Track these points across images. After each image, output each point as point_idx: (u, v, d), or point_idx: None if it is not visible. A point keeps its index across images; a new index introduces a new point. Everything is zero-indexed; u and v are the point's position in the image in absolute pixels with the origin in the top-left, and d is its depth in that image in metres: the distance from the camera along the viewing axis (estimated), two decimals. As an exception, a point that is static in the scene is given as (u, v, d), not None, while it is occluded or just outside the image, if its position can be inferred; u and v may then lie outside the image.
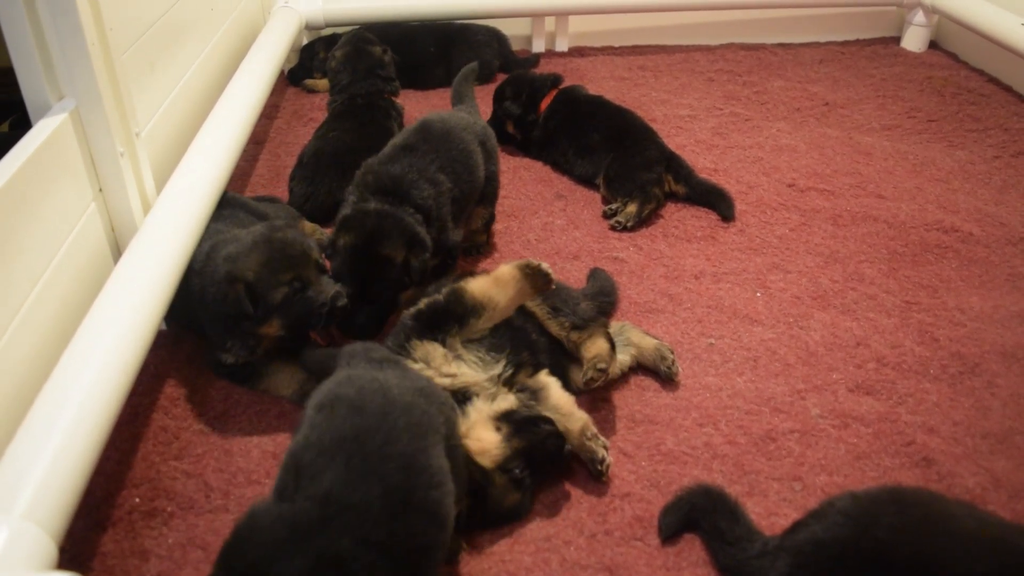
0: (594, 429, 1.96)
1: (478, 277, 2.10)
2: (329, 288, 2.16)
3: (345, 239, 2.26)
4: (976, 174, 3.40)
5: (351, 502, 1.44)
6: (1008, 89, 4.17)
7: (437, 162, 2.48)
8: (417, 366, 1.94)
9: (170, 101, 2.74)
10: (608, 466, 1.94)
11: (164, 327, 2.42)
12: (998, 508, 1.94)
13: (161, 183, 2.45)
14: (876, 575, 1.50)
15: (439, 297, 2.06)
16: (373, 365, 1.78)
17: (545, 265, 2.05)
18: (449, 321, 2.01)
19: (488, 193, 2.76)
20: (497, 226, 2.96)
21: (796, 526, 1.70)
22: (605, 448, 1.95)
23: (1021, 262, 2.83)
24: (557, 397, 2.00)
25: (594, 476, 1.97)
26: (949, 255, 2.87)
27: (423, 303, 2.07)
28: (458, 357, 1.99)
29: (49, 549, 1.46)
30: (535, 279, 2.05)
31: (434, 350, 1.96)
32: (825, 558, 1.57)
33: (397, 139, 2.58)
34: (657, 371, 2.27)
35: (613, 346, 2.13)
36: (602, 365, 2.06)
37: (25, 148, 1.94)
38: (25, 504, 1.46)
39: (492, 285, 2.06)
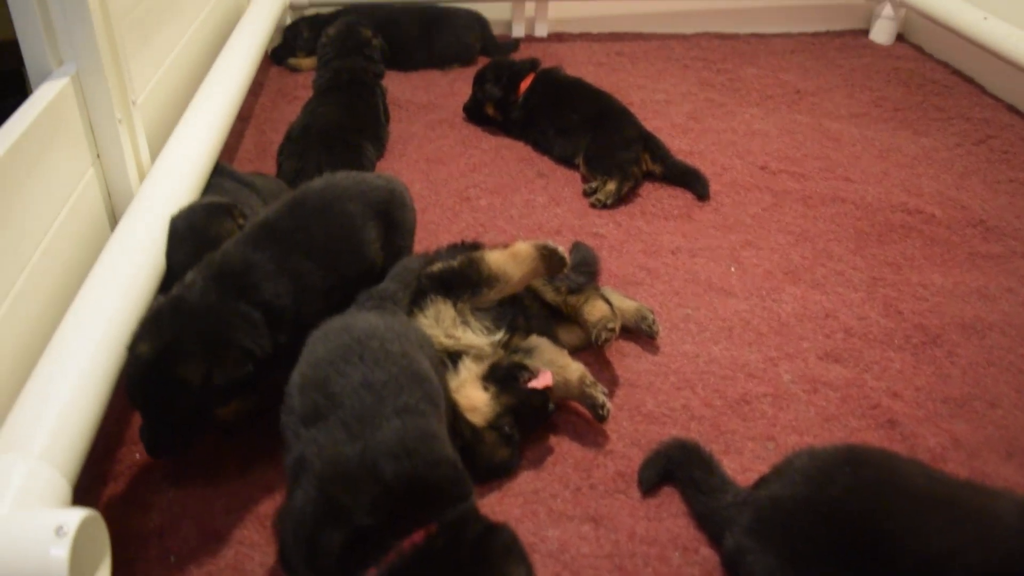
0: (591, 377, 2.05)
1: (495, 250, 2.18)
2: None
3: (140, 347, 1.82)
4: (939, 160, 3.53)
5: (391, 390, 1.63)
6: (970, 81, 4.31)
7: (304, 245, 2.04)
8: (426, 322, 2.02)
9: (163, 72, 2.79)
10: (608, 411, 2.03)
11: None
12: (957, 466, 2.06)
13: (154, 153, 2.50)
14: (830, 532, 1.60)
15: (454, 263, 2.13)
16: (363, 310, 1.95)
17: (561, 249, 2.13)
18: (463, 287, 2.08)
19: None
20: (481, 202, 3.05)
21: (760, 481, 1.81)
22: (604, 394, 2.04)
23: (980, 242, 2.97)
24: (552, 352, 2.10)
25: (597, 420, 2.06)
26: (913, 235, 2.99)
27: (437, 267, 2.13)
28: (465, 322, 2.07)
29: (64, 489, 1.52)
30: (550, 261, 2.13)
31: (446, 310, 2.05)
32: (782, 514, 1.67)
33: (263, 215, 2.15)
34: (639, 331, 2.36)
35: (612, 306, 2.23)
36: (611, 325, 2.18)
37: (28, 113, 1.99)
38: (40, 446, 1.53)
39: (509, 260, 2.13)
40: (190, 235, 2.19)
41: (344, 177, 2.29)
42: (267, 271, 1.95)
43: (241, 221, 2.25)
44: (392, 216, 2.27)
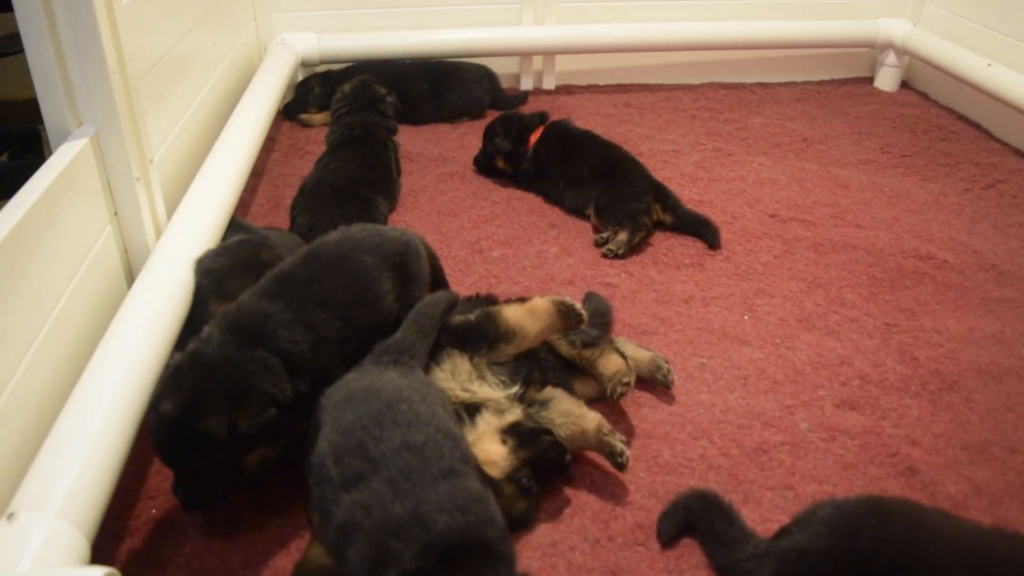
0: (608, 426, 2.04)
1: (512, 305, 2.18)
2: None
3: (164, 406, 1.82)
4: (949, 206, 3.55)
5: (432, 451, 1.65)
6: (976, 126, 4.34)
7: (319, 295, 2.06)
8: (442, 375, 2.03)
9: (178, 130, 2.83)
10: (627, 458, 2.00)
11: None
12: (979, 513, 2.04)
13: (170, 209, 2.53)
14: None
15: (471, 317, 2.13)
16: (380, 367, 1.94)
17: (579, 305, 2.13)
18: (480, 342, 2.08)
19: None
20: (493, 253, 3.07)
21: (782, 532, 1.78)
22: (623, 442, 2.02)
23: (993, 287, 2.96)
24: (568, 402, 2.09)
25: (616, 468, 2.03)
26: (926, 281, 2.99)
27: (454, 320, 2.14)
28: (481, 376, 2.07)
29: (82, 546, 1.52)
30: (567, 317, 2.13)
31: (462, 364, 2.05)
32: (809, 566, 1.65)
33: (278, 267, 2.17)
34: (654, 381, 2.36)
35: (626, 359, 2.23)
36: (627, 379, 2.17)
37: (48, 173, 2.02)
38: (58, 504, 1.53)
39: (526, 315, 2.13)
40: (251, 266, 2.26)
41: (359, 230, 2.32)
42: (283, 320, 1.97)
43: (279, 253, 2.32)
44: (407, 268, 2.28)
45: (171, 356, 1.98)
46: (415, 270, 2.31)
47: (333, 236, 2.28)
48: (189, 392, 1.82)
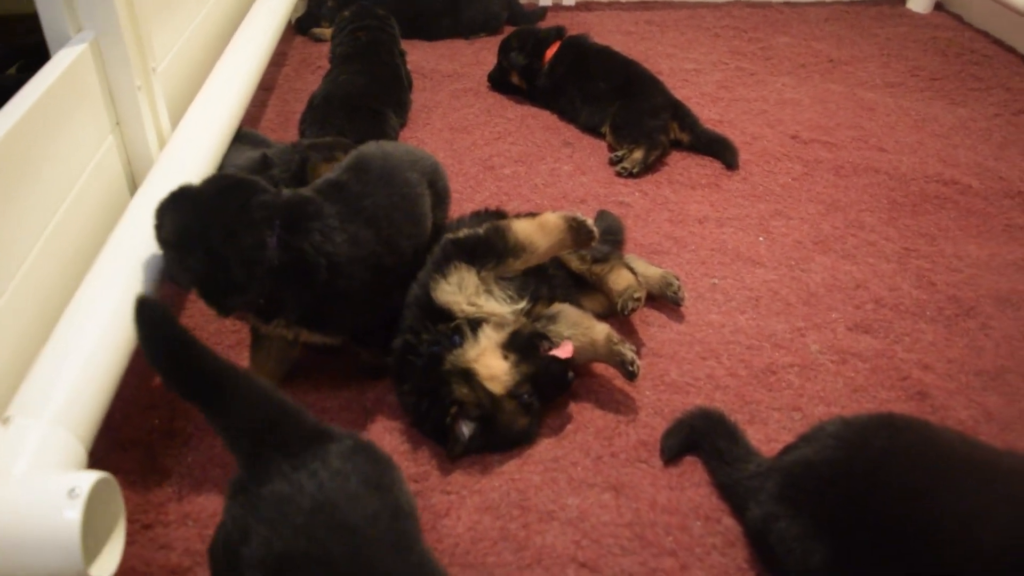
0: (618, 336, 2.00)
1: (522, 219, 2.12)
2: None
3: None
4: (977, 131, 3.44)
5: None
6: (1011, 50, 4.19)
7: (371, 210, 1.97)
8: (449, 289, 1.98)
9: (184, 40, 2.76)
10: (639, 368, 1.97)
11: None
12: (989, 439, 2.00)
13: (175, 121, 2.48)
14: (866, 496, 1.54)
15: (479, 231, 2.07)
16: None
17: (590, 221, 2.07)
18: (488, 256, 2.02)
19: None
20: (505, 171, 3.01)
21: (788, 448, 1.75)
22: (633, 350, 1.98)
23: (1018, 214, 2.88)
24: (576, 315, 2.06)
25: (627, 377, 2.00)
26: (948, 206, 2.92)
27: (462, 233, 2.09)
28: (488, 291, 2.02)
29: (79, 452, 1.52)
30: (578, 234, 2.06)
31: (469, 277, 2.00)
32: (815, 478, 1.61)
33: (328, 175, 2.10)
34: (664, 298, 2.32)
35: (637, 275, 2.19)
36: (637, 295, 2.14)
37: (45, 78, 1.96)
38: (55, 410, 1.52)
39: (536, 230, 2.07)
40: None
41: (393, 146, 2.29)
42: (327, 225, 1.87)
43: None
44: (437, 187, 2.28)
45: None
46: (442, 189, 2.31)
47: (374, 149, 2.20)
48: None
